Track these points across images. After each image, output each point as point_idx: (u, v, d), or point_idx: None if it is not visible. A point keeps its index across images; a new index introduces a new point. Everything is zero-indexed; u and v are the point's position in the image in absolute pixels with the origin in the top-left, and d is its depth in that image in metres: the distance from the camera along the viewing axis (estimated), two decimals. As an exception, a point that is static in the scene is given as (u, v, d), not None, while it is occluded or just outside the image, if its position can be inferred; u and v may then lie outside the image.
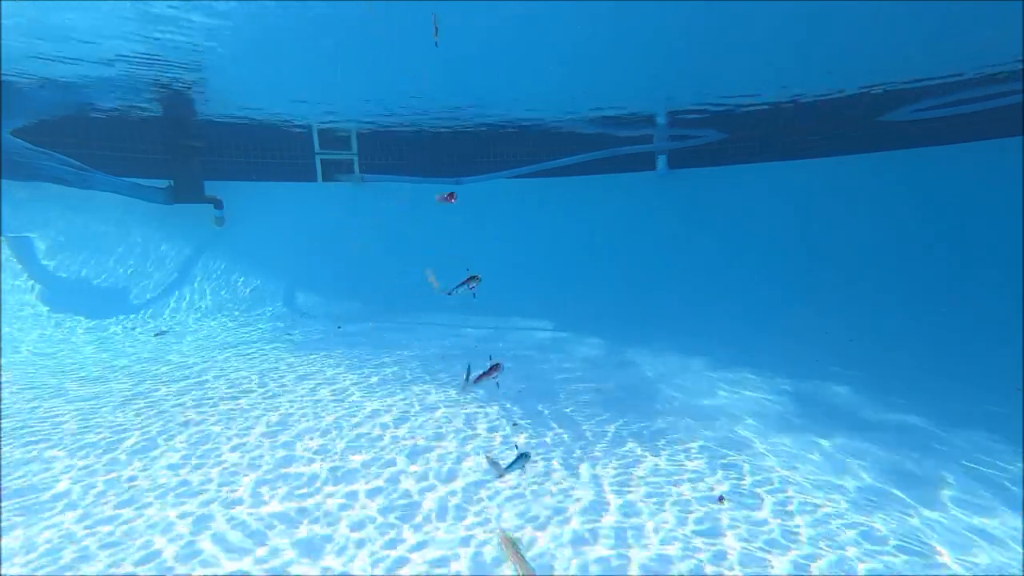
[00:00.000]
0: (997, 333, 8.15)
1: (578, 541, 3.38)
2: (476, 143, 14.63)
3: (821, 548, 3.34)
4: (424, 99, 11.42)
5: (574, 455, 4.60)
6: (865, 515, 3.73)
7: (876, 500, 3.94)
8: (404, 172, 14.50)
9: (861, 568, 3.16)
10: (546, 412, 5.61)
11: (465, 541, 3.37)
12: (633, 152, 13.91)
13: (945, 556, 3.31)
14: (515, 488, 4.01)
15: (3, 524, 3.50)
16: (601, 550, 3.30)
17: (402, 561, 3.17)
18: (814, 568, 3.16)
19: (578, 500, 3.87)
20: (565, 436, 5.00)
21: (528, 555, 3.19)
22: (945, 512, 3.80)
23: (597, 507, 3.78)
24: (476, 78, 10.18)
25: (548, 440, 4.91)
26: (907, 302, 9.81)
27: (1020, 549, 3.38)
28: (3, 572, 3.06)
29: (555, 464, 4.43)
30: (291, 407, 5.68)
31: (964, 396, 6.04)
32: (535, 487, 4.04)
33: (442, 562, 3.16)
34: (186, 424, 5.18)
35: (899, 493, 4.03)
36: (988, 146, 10.56)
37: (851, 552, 3.31)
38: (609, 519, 3.63)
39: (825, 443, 4.89)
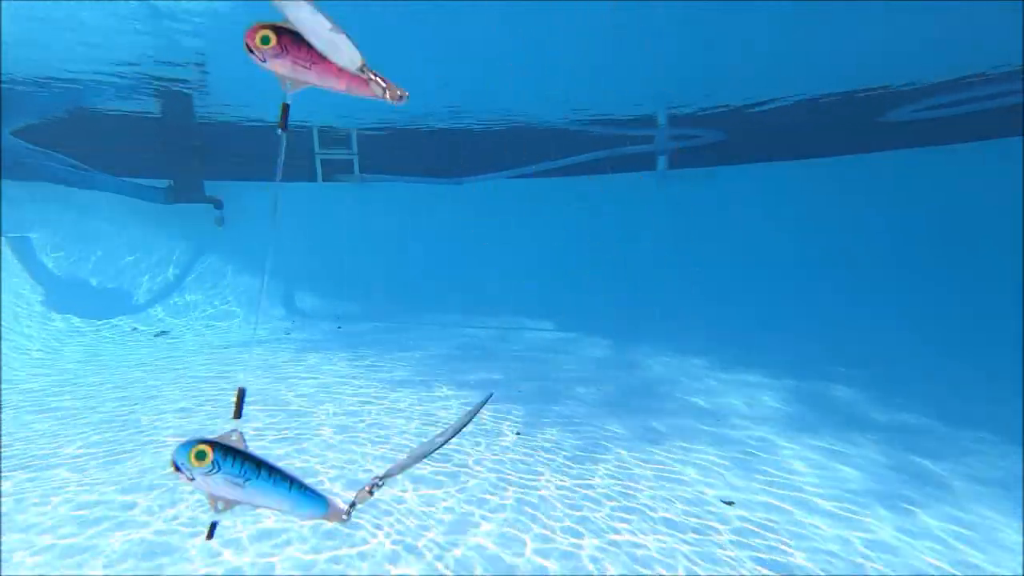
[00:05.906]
0: (997, 333, 8.14)
1: (577, 541, 3.37)
2: (476, 143, 14.63)
3: (823, 547, 3.34)
4: (424, 99, 11.42)
5: (577, 455, 4.60)
6: (867, 515, 3.73)
7: (879, 500, 3.93)
8: (404, 172, 14.50)
9: (864, 568, 3.16)
10: (549, 413, 5.60)
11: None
12: (633, 152, 13.91)
13: (946, 556, 3.31)
14: (521, 488, 4.01)
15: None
16: (599, 553, 3.29)
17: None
18: (816, 568, 3.15)
19: (580, 500, 3.87)
20: (567, 436, 4.99)
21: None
22: (946, 512, 3.79)
23: (599, 507, 3.78)
24: (476, 78, 10.19)
25: (550, 440, 4.90)
26: (907, 302, 9.80)
27: (1020, 549, 3.38)
28: (3, 572, 3.06)
29: (558, 464, 4.43)
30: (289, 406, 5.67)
31: (965, 396, 6.05)
32: (540, 490, 4.04)
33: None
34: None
35: (901, 492, 4.03)
36: (988, 146, 10.56)
37: (853, 552, 3.31)
38: (611, 519, 3.63)
39: (828, 443, 4.89)
